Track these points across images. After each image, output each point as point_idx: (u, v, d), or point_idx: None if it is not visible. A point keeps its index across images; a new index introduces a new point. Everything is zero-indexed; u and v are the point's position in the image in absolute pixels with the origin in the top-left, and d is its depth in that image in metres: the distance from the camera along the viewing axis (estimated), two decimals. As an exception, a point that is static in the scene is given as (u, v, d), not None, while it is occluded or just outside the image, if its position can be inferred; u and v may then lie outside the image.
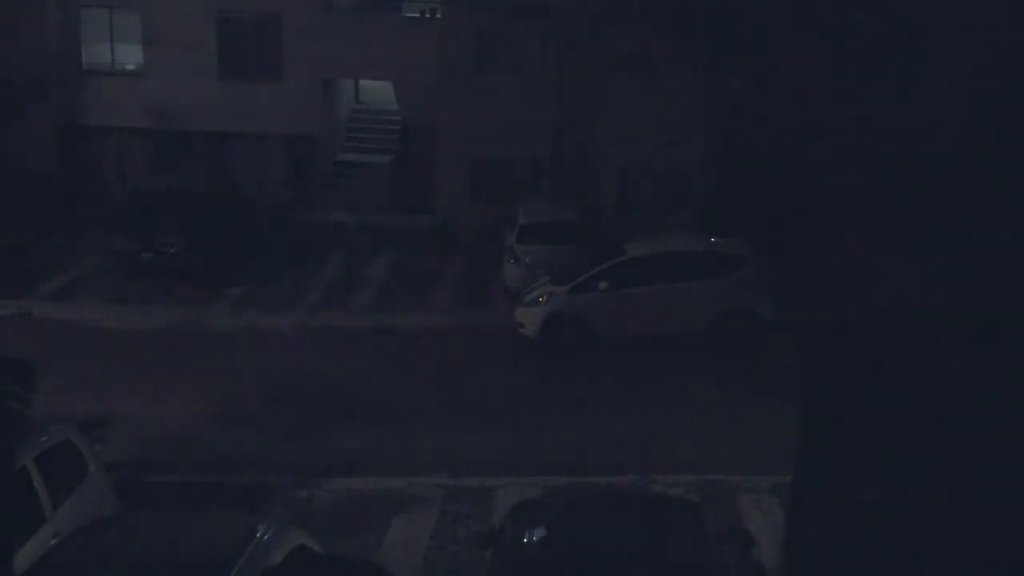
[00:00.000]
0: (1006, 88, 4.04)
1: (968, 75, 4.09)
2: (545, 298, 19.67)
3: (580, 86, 25.77)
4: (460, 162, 27.08)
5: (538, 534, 9.78)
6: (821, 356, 5.01)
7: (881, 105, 4.45)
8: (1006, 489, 4.32)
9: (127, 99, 27.57)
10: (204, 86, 27.41)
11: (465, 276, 23.97)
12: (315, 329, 20.63)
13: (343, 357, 19.12)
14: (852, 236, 4.75)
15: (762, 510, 13.49)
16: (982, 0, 4.04)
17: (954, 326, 4.32)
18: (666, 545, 9.61)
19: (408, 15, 29.22)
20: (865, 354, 4.68)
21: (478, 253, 24.87)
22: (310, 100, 27.69)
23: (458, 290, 23.09)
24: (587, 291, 19.51)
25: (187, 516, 10.90)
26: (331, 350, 19.51)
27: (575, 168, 26.17)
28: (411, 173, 28.32)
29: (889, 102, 4.39)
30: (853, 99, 4.66)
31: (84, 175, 27.95)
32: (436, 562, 12.46)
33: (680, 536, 9.75)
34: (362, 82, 31.15)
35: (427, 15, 28.70)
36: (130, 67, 28.12)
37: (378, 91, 31.05)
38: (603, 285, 19.40)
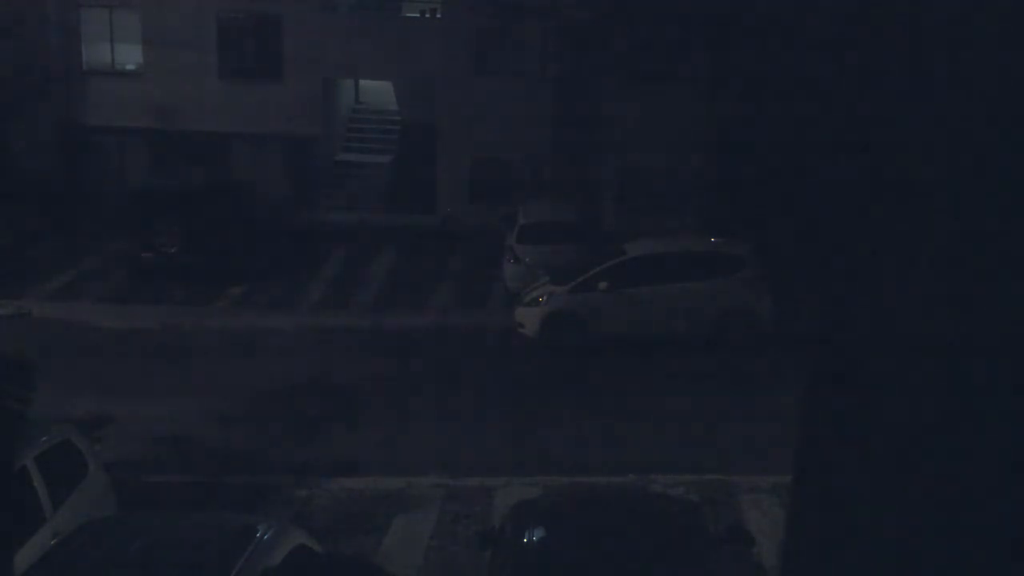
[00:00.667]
0: (1006, 90, 4.04)
1: (969, 75, 4.09)
2: (545, 298, 19.68)
3: (580, 86, 25.77)
4: (460, 162, 27.10)
5: (538, 534, 9.78)
6: (821, 356, 5.00)
7: (881, 106, 4.44)
8: (1007, 491, 4.31)
9: (127, 99, 27.58)
10: (204, 86, 27.42)
11: (465, 276, 23.97)
12: (315, 329, 20.63)
13: (343, 357, 19.13)
14: (852, 237, 4.75)
15: (762, 510, 13.49)
16: (981, 3, 4.04)
17: (955, 326, 4.31)
18: (666, 545, 9.61)
19: (408, 15, 29.21)
20: (865, 354, 4.67)
21: (478, 253, 24.87)
22: (310, 100, 27.69)
23: (458, 290, 23.09)
24: (587, 291, 19.51)
25: (187, 516, 10.90)
26: (331, 350, 19.52)
27: (575, 168, 26.17)
28: (411, 173, 28.33)
29: (890, 103, 4.39)
30: (853, 100, 4.66)
31: (84, 175, 27.95)
32: (436, 562, 12.45)
33: (680, 536, 9.75)
34: (362, 82, 31.16)
35: (427, 15, 28.71)
36: (130, 67, 28.12)
37: (378, 91, 31.06)
38: (603, 285, 19.40)
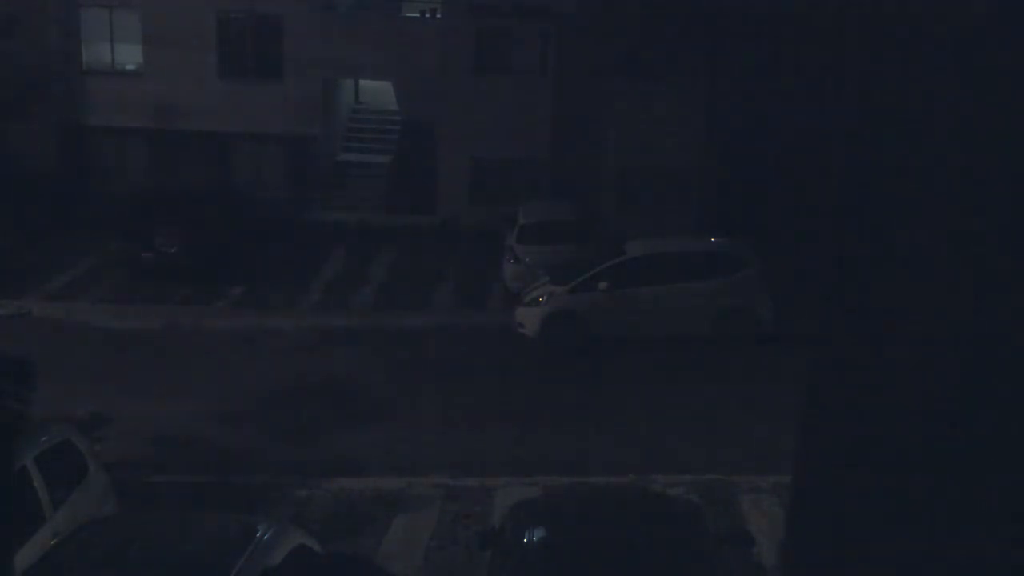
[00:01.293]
0: (1006, 91, 4.04)
1: (967, 81, 4.10)
2: (545, 298, 19.68)
3: (580, 86, 25.76)
4: (460, 162, 27.08)
5: (538, 534, 9.78)
6: (821, 357, 5.01)
7: (881, 107, 4.45)
8: (1003, 490, 4.32)
9: (127, 99, 27.57)
10: (204, 86, 27.41)
11: (465, 276, 23.96)
12: (315, 329, 20.63)
13: (343, 357, 19.12)
14: (852, 237, 4.76)
15: (762, 510, 13.49)
16: (979, 8, 4.05)
17: (953, 329, 4.32)
18: (666, 545, 9.61)
19: (408, 15, 29.22)
20: (864, 356, 4.68)
21: (478, 253, 24.87)
22: (310, 100, 27.68)
23: (458, 290, 23.09)
24: (587, 291, 19.51)
25: (187, 516, 10.90)
26: (331, 350, 19.52)
27: (575, 168, 26.17)
28: (411, 173, 28.33)
29: (890, 104, 4.40)
30: (852, 102, 4.66)
31: (84, 175, 27.93)
32: (436, 562, 12.46)
33: (680, 536, 9.75)
34: (362, 82, 31.15)
35: (427, 15, 28.72)
36: (130, 67, 28.10)
37: (378, 91, 31.06)
38: (603, 285, 19.40)
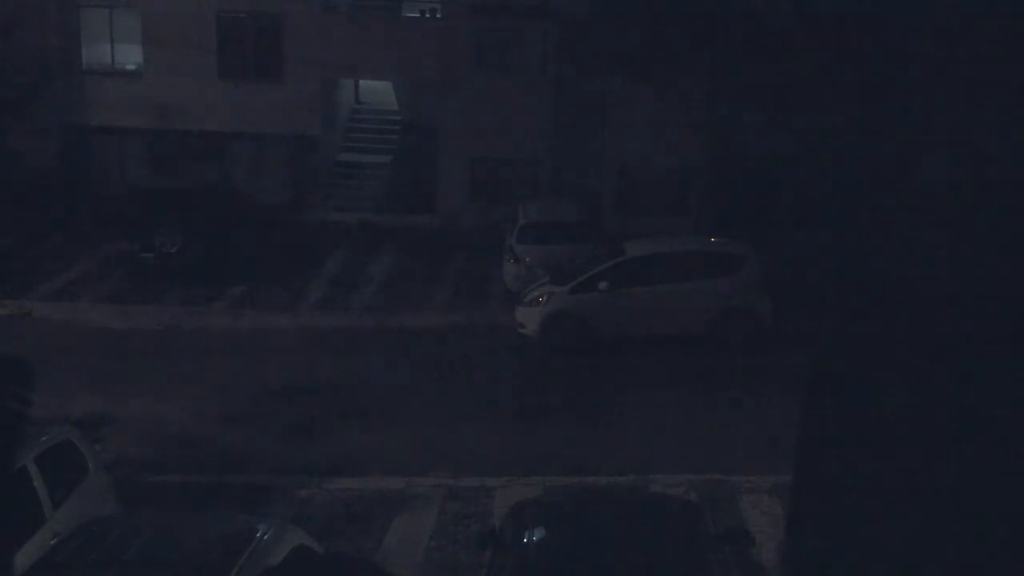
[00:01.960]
0: (1002, 92, 4.04)
1: (964, 80, 4.10)
2: (545, 298, 19.67)
3: (580, 86, 25.77)
4: (460, 162, 27.10)
5: (538, 534, 9.78)
6: (821, 356, 5.01)
7: (881, 108, 4.45)
8: (1006, 490, 4.32)
9: (127, 99, 27.58)
10: (204, 86, 27.42)
11: (465, 276, 23.97)
12: (315, 329, 20.63)
13: (343, 357, 19.12)
14: (852, 237, 4.76)
15: (762, 510, 13.49)
16: (979, 7, 4.05)
17: (953, 327, 4.32)
18: (666, 545, 9.61)
19: (408, 15, 29.23)
20: (864, 355, 4.68)
21: (478, 253, 24.87)
22: (310, 100, 27.69)
23: (458, 290, 23.09)
24: (587, 291, 19.51)
25: (187, 516, 10.90)
26: (331, 350, 19.51)
27: (575, 168, 26.18)
28: (411, 173, 28.34)
29: (888, 105, 4.39)
30: (851, 102, 4.66)
31: (84, 175, 27.95)
32: (436, 562, 12.45)
33: (680, 536, 9.75)
34: (362, 82, 31.16)
35: (427, 15, 28.72)
36: (130, 67, 28.12)
37: (378, 91, 31.07)
38: (603, 285, 19.40)
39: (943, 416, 4.39)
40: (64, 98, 27.75)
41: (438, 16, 28.08)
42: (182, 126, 27.50)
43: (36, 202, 25.88)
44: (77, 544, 9.18)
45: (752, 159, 23.30)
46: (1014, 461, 4.27)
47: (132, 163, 28.10)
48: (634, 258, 19.80)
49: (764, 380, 17.26)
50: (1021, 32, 3.97)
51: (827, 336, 4.92)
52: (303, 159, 28.21)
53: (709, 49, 24.06)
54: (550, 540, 9.78)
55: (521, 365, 18.99)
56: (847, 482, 4.76)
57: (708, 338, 19.18)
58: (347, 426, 16.21)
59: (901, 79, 4.31)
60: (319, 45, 26.98)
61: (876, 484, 4.64)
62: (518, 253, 22.11)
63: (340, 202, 28.19)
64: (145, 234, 22.85)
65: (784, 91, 22.02)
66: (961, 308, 4.28)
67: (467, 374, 18.43)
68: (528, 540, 9.68)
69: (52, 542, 9.77)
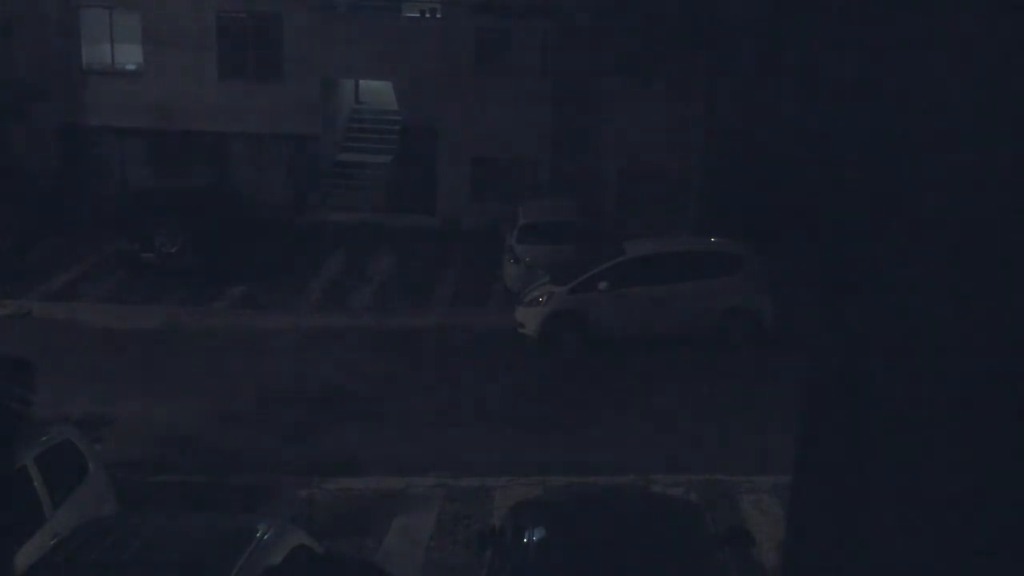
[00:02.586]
0: (1007, 91, 4.04)
1: (969, 75, 4.09)
2: (545, 298, 19.68)
3: (580, 86, 25.77)
4: (460, 162, 27.11)
5: (538, 534, 9.78)
6: (821, 356, 5.00)
7: (881, 107, 4.44)
8: (1006, 490, 4.32)
9: (127, 99, 27.59)
10: (204, 86, 27.43)
11: (465, 276, 23.97)
12: (315, 329, 20.63)
13: (343, 357, 19.12)
14: (851, 237, 4.75)
15: (762, 510, 13.49)
16: (982, 7, 4.04)
17: (955, 326, 4.31)
18: (666, 545, 9.61)
19: (408, 15, 29.25)
20: (865, 355, 4.67)
21: (478, 253, 24.87)
22: (310, 100, 27.71)
23: (458, 290, 23.09)
24: (587, 291, 19.51)
25: (187, 516, 10.90)
26: (331, 350, 19.51)
27: (575, 168, 26.18)
28: (411, 173, 28.34)
29: (889, 104, 4.39)
30: (852, 101, 4.66)
31: (84, 175, 27.95)
32: (436, 562, 12.45)
33: (680, 536, 9.75)
34: (362, 82, 31.18)
35: (427, 15, 28.73)
36: (130, 67, 28.13)
37: (378, 91, 31.07)
38: (603, 285, 19.40)
39: (943, 416, 4.39)
40: (64, 98, 27.75)
41: (438, 16, 28.09)
42: (182, 126, 27.51)
43: (36, 202, 25.88)
44: (77, 544, 9.17)
45: (751, 159, 23.30)
46: (1015, 461, 4.27)
47: (132, 163, 28.10)
48: (634, 258, 19.80)
49: (764, 380, 17.26)
50: (1021, 32, 3.97)
51: (827, 336, 4.91)
52: (303, 159, 28.22)
53: (708, 49, 24.06)
54: (550, 540, 9.78)
55: (521, 365, 18.99)
56: (847, 482, 4.75)
57: (708, 338, 19.18)
58: (347, 426, 16.21)
59: (902, 78, 4.31)
60: (319, 45, 27.00)
61: (876, 484, 4.64)
62: (518, 253, 22.11)
63: (340, 202, 28.20)
64: (145, 234, 22.85)
65: (783, 90, 22.01)
66: (961, 308, 4.28)
67: (467, 374, 18.43)
68: (528, 540, 9.68)
69: (52, 542, 9.76)
